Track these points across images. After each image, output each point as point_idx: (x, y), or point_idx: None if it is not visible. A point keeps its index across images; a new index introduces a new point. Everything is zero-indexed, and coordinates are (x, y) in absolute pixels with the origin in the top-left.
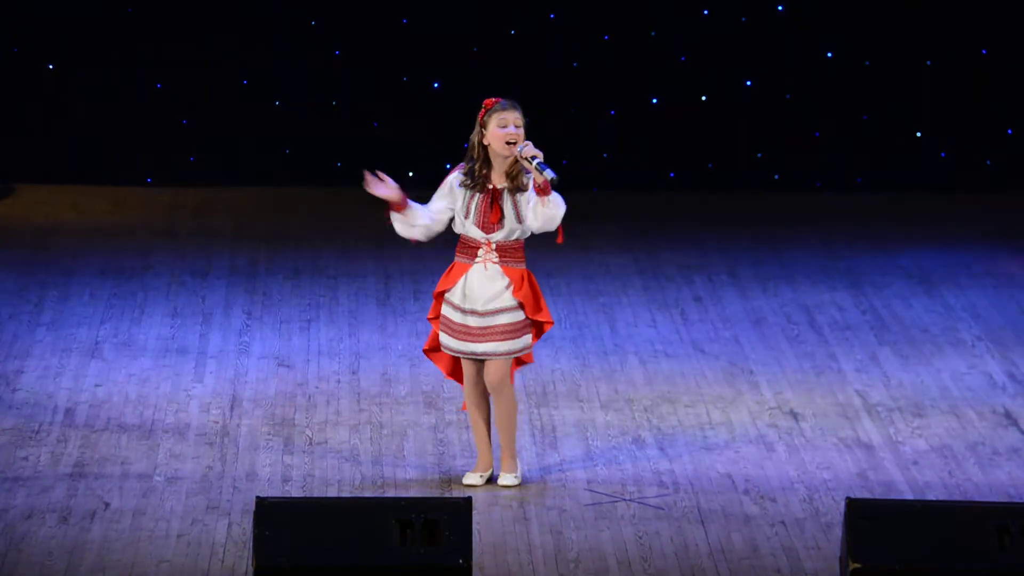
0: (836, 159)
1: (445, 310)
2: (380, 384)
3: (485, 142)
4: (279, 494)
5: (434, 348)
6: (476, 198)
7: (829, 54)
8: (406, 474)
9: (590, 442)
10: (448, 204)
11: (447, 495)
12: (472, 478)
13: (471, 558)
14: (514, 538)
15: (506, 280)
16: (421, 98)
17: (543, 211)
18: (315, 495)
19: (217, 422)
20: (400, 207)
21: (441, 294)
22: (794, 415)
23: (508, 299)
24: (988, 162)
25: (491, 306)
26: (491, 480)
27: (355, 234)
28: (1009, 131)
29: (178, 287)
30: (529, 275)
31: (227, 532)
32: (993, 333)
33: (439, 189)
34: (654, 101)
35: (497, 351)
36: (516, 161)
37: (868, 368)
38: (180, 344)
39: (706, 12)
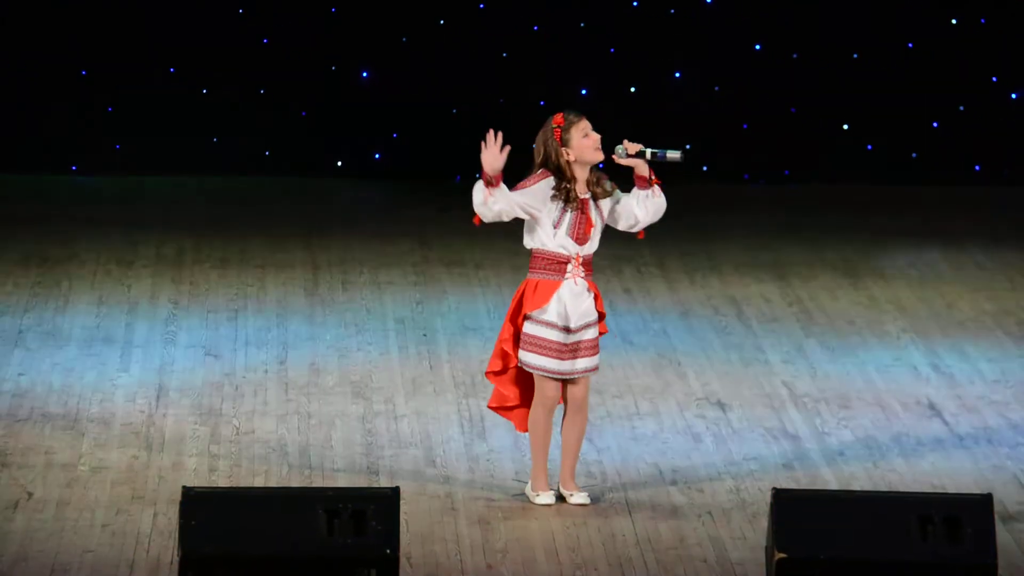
0: (763, 151)
1: (535, 330)
2: (308, 374)
3: (570, 158)
4: (205, 484)
5: (502, 406)
6: (568, 212)
7: (757, 46)
8: (334, 464)
9: (518, 433)
10: (536, 208)
11: (375, 485)
12: (548, 496)
13: (398, 548)
14: (442, 528)
15: (592, 294)
16: (349, 87)
17: (654, 201)
18: (242, 485)
19: (143, 412)
20: (494, 183)
21: (525, 316)
22: (721, 406)
23: (593, 312)
24: (914, 155)
25: (582, 322)
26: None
27: (283, 223)
28: (935, 124)
29: (103, 276)
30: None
31: (152, 522)
32: (918, 325)
33: (531, 189)
34: (583, 92)
35: (591, 367)
36: (594, 169)
37: (795, 360)
38: (105, 333)
39: (636, 3)
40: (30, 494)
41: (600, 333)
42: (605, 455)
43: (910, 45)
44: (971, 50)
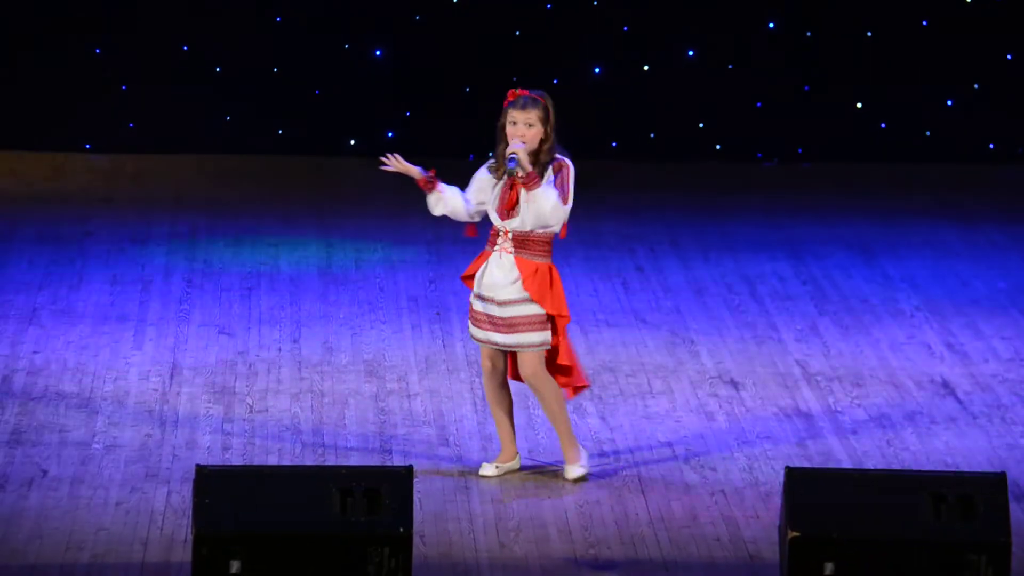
0: (777, 129)
1: (471, 297)
2: (321, 352)
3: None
4: (219, 462)
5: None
6: (499, 184)
7: (771, 24)
8: (347, 443)
9: (531, 411)
10: (477, 190)
11: (388, 464)
12: (488, 469)
13: (412, 527)
14: (455, 507)
15: (517, 273)
16: (363, 66)
17: (529, 205)
18: (255, 463)
19: (156, 390)
20: (426, 187)
21: (467, 277)
22: (734, 384)
23: (520, 291)
24: (927, 133)
25: (507, 297)
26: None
27: (296, 201)
28: (949, 102)
29: (117, 254)
30: (548, 269)
31: (166, 500)
32: (931, 303)
33: (473, 177)
34: (596, 70)
35: (518, 342)
36: (533, 154)
37: (808, 338)
38: (119, 311)
39: None
40: (44, 472)
41: (550, 313)
42: (618, 433)
43: (924, 23)
44: (985, 27)
